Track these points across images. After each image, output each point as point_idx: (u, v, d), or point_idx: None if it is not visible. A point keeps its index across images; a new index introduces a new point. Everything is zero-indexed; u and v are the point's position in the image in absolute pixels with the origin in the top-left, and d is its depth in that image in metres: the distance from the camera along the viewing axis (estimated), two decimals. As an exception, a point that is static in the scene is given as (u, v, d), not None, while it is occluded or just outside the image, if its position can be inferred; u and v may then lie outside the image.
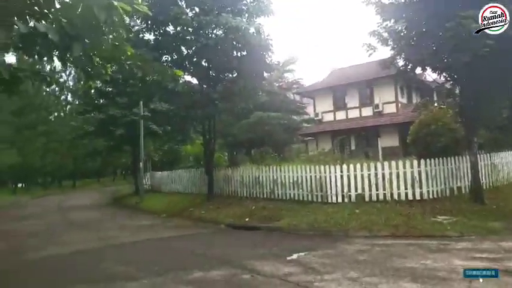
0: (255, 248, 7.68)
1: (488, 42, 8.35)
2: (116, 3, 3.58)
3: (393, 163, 10.56)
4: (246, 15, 13.87)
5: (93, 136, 25.18)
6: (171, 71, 5.52)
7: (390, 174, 10.43)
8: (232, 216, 11.25)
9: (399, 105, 24.67)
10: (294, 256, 6.51)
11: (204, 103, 13.93)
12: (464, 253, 6.29)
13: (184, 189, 18.08)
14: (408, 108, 23.72)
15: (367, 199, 10.45)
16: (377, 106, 24.97)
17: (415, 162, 10.48)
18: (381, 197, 10.35)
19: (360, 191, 10.60)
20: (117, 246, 8.81)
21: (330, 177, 11.05)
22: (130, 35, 12.58)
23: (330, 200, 10.93)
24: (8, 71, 4.77)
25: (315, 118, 29.02)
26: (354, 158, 17.58)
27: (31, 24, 3.91)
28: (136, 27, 13.86)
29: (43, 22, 4.02)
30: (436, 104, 14.68)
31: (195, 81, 15.19)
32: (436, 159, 10.49)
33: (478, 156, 10.71)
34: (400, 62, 11.65)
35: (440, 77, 11.85)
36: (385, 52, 11.51)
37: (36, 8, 4.12)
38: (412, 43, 10.69)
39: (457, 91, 11.83)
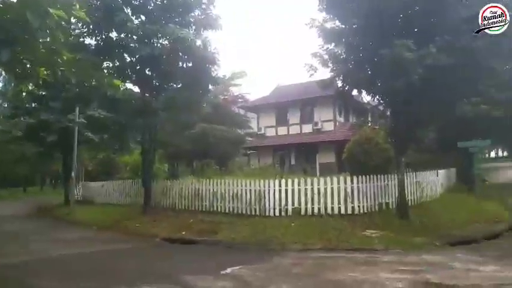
0: (190, 262, 7.57)
1: (419, 71, 9.17)
2: (51, 10, 3.45)
3: (328, 179, 11.04)
4: (194, 27, 13.89)
5: (22, 141, 23.34)
6: (109, 79, 5.36)
7: (325, 189, 10.87)
8: (169, 230, 10.96)
9: (337, 123, 25.92)
10: (228, 270, 6.51)
11: (145, 112, 13.60)
12: (390, 266, 6.70)
13: (120, 201, 17.33)
14: (345, 127, 25.01)
15: (303, 213, 10.78)
16: (316, 124, 26.02)
17: (348, 178, 11.04)
18: (316, 211, 10.73)
19: (296, 205, 10.92)
20: (44, 260, 8.19)
21: (269, 191, 11.26)
22: (70, 39, 12.07)
23: (268, 214, 11.11)
24: None
25: (258, 132, 29.52)
26: (293, 172, 18.09)
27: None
28: (77, 31, 13.26)
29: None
30: (369, 125, 15.66)
31: (137, 89, 14.80)
32: (367, 176, 11.13)
33: (405, 175, 11.54)
34: (339, 84, 12.31)
35: (374, 99, 12.68)
36: (325, 73, 12.09)
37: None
38: (350, 66, 11.39)
39: (389, 113, 12.74)
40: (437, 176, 14.95)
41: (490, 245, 8.70)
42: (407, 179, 11.88)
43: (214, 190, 12.50)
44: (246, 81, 42.15)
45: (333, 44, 11.43)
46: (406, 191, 11.25)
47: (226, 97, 34.48)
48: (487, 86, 14.09)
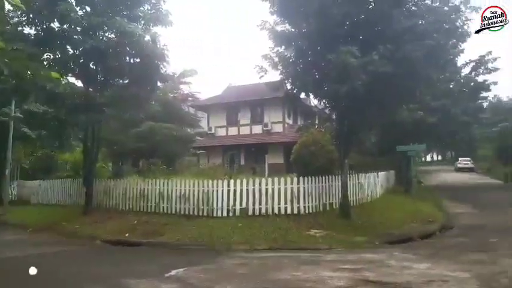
0: (133, 265, 7.33)
1: (362, 77, 9.57)
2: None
3: (276, 179, 11.19)
4: (142, 22, 13.46)
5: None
6: (44, 70, 5.02)
7: (273, 189, 11.02)
8: (111, 232, 10.52)
9: (286, 125, 26.40)
10: (173, 272, 6.37)
11: (88, 108, 12.96)
12: (331, 264, 6.92)
13: (59, 202, 16.35)
14: (294, 128, 25.52)
15: (250, 213, 10.84)
16: (266, 125, 26.34)
17: (295, 179, 11.28)
18: (263, 211, 10.85)
19: (244, 205, 10.95)
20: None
21: (217, 191, 11.20)
22: (8, 27, 11.25)
23: (215, 214, 11.04)
24: None
25: (208, 132, 29.30)
26: (242, 172, 18.15)
27: None
28: (16, 19, 12.36)
29: None
30: (316, 127, 16.11)
31: (80, 83, 14.07)
32: (313, 177, 11.44)
33: (348, 176, 12.02)
34: (288, 86, 12.51)
35: (320, 103, 13.05)
36: (275, 75, 12.23)
37: None
38: (299, 70, 11.62)
39: (334, 117, 13.18)
40: (377, 177, 15.75)
41: (424, 244, 9.29)
42: (350, 180, 12.38)
43: (161, 190, 12.19)
44: (197, 80, 41.74)
45: (283, 47, 11.58)
46: (348, 192, 11.73)
47: (176, 95, 33.92)
48: (424, 94, 15.09)
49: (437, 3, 10.99)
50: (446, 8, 10.75)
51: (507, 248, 8.08)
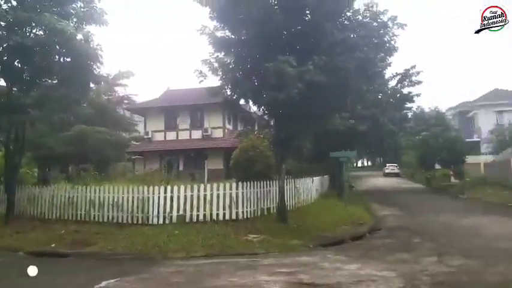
0: (58, 277, 6.85)
1: (299, 85, 9.88)
2: None
3: (214, 185, 11.15)
4: (75, 20, 12.75)
5: None
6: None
7: (211, 195, 10.95)
8: (36, 242, 9.74)
9: (226, 131, 26.43)
10: (103, 284, 6.05)
11: (11, 108, 11.98)
12: (268, 269, 7.04)
13: (-25, 210, 14.83)
14: (234, 134, 25.65)
15: (187, 220, 10.66)
16: (206, 130, 26.16)
17: (234, 184, 11.32)
18: (201, 217, 10.73)
19: (181, 212, 10.75)
20: None
21: (153, 198, 10.88)
22: None
23: (151, 222, 10.71)
24: None
25: (145, 136, 28.37)
26: (180, 178, 17.83)
27: None
28: None
29: None
30: (256, 133, 16.33)
31: (3, 82, 13.00)
32: (252, 182, 11.56)
33: (285, 181, 12.31)
34: (228, 92, 12.55)
35: (259, 109, 13.27)
36: (215, 80, 12.18)
37: None
38: (239, 76, 11.71)
39: (272, 123, 13.46)
40: (312, 183, 16.32)
41: (355, 246, 9.74)
42: (287, 185, 12.70)
43: (91, 198, 11.56)
44: (135, 83, 40.30)
45: (223, 53, 11.57)
46: (285, 197, 12.01)
47: (110, 97, 32.51)
48: (355, 104, 15.98)
49: (368, 19, 11.74)
50: (375, 24, 11.52)
51: (428, 248, 8.77)
